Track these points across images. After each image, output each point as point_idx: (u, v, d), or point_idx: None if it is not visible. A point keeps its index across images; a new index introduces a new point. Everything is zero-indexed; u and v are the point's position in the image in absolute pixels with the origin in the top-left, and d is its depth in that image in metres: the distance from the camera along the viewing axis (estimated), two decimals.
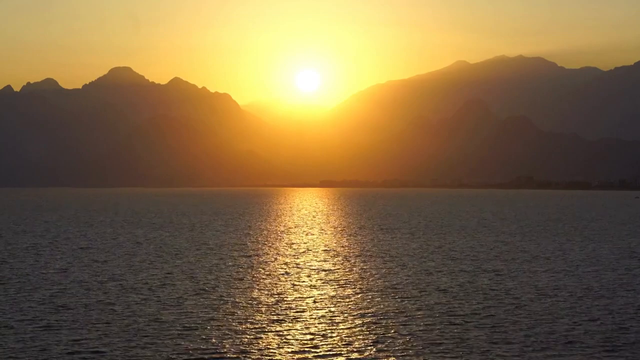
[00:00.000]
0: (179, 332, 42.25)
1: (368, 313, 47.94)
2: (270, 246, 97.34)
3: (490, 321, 45.54)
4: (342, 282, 62.41)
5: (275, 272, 69.31)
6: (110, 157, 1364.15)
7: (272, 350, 38.35)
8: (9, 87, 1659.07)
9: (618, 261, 79.66)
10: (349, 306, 50.50)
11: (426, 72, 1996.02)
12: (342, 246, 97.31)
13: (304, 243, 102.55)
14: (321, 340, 40.40)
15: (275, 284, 61.31)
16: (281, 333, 42.28)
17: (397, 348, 38.77)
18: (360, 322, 45.22)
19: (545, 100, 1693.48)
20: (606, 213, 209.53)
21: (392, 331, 42.59)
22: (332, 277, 65.24)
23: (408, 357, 37.15)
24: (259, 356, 37.36)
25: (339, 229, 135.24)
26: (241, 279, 63.89)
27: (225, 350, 38.33)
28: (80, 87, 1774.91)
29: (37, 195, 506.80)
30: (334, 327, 43.69)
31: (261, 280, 63.21)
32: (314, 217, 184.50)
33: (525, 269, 71.82)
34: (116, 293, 55.92)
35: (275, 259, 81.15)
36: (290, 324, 44.58)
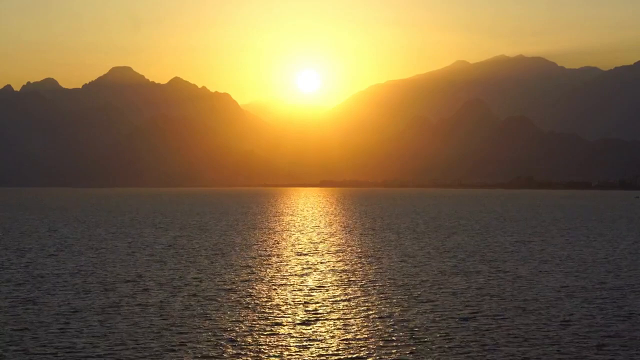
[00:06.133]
0: (194, 333, 42.06)
1: (381, 314, 47.70)
2: (278, 247, 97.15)
3: (508, 323, 45.35)
4: (355, 282, 62.15)
5: (286, 272, 69.06)
6: (111, 157, 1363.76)
7: (285, 351, 38.19)
8: (9, 87, 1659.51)
9: (632, 261, 79.44)
10: (364, 307, 50.28)
11: (426, 72, 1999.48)
12: (352, 246, 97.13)
13: (313, 243, 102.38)
14: (335, 341, 40.20)
15: (286, 284, 61.07)
16: (294, 333, 42.10)
17: (412, 350, 38.60)
18: (372, 323, 45.02)
19: (545, 100, 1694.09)
20: (609, 213, 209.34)
21: (406, 333, 42.38)
22: (346, 278, 64.98)
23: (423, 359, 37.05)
24: (273, 356, 37.23)
25: (346, 229, 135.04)
26: (252, 280, 63.68)
27: (240, 352, 38.17)
28: (80, 86, 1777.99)
29: (37, 195, 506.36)
30: (348, 329, 43.50)
31: (273, 281, 62.98)
32: (318, 217, 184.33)
33: (536, 269, 71.59)
34: (129, 295, 55.70)
35: (285, 259, 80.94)
36: (303, 325, 44.37)
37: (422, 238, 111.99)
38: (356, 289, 59.02)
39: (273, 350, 38.64)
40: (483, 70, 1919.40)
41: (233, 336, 41.70)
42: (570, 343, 40.50)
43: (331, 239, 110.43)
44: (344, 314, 48.32)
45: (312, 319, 46.62)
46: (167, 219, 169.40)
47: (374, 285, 60.65)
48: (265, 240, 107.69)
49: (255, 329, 43.69)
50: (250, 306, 50.95)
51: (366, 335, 41.91)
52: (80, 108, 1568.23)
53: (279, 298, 54.47)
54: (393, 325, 44.63)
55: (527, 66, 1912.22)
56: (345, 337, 41.51)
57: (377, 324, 45.07)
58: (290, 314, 48.07)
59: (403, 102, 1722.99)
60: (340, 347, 39.28)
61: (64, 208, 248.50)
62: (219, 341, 40.49)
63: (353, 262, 78.15)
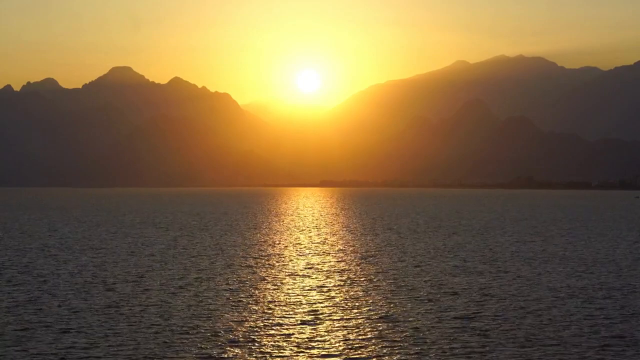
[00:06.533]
0: (194, 333, 41.93)
1: (382, 314, 47.58)
2: (279, 247, 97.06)
3: (509, 323, 45.23)
4: (356, 283, 62.02)
5: (286, 273, 68.93)
6: (111, 157, 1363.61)
7: (286, 351, 38.08)
8: (9, 87, 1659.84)
9: (633, 261, 79.30)
10: (365, 307, 50.17)
11: (426, 72, 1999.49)
12: (352, 246, 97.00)
13: (313, 244, 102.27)
14: (336, 342, 40.11)
15: (287, 284, 60.94)
16: (295, 334, 41.99)
17: (413, 350, 38.48)
18: (373, 323, 44.91)
19: (545, 100, 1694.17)
20: (609, 213, 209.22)
21: (407, 333, 42.26)
22: (347, 278, 64.86)
23: None
24: (274, 357, 37.14)
25: (346, 229, 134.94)
26: (252, 281, 63.56)
27: (241, 352, 38.09)
28: (80, 86, 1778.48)
29: (37, 195, 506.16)
30: (349, 329, 43.39)
31: (273, 281, 62.88)
32: (318, 217, 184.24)
33: (537, 269, 71.46)
34: (129, 295, 55.58)
35: (285, 260, 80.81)
36: (304, 326, 44.26)
37: (423, 238, 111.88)
38: (357, 289, 58.91)
39: (274, 351, 38.54)
40: (483, 70, 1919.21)
41: (234, 336, 41.61)
42: (572, 343, 40.40)
43: (331, 239, 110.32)
44: (345, 314, 48.21)
45: (313, 319, 46.52)
46: (167, 219, 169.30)
47: (375, 286, 60.54)
48: (266, 241, 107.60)
49: (256, 329, 43.60)
50: (251, 306, 50.85)
51: (367, 336, 41.81)
52: (80, 108, 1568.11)
53: (279, 298, 54.36)
54: (394, 325, 44.52)
55: (527, 66, 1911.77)
56: (346, 338, 41.41)
57: (378, 324, 44.96)
58: (291, 314, 47.96)
59: (403, 102, 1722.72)
60: (341, 348, 39.18)
61: (64, 208, 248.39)
62: (220, 341, 40.39)
63: (354, 262, 78.03)
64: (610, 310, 49.73)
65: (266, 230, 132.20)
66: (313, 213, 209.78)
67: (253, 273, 68.83)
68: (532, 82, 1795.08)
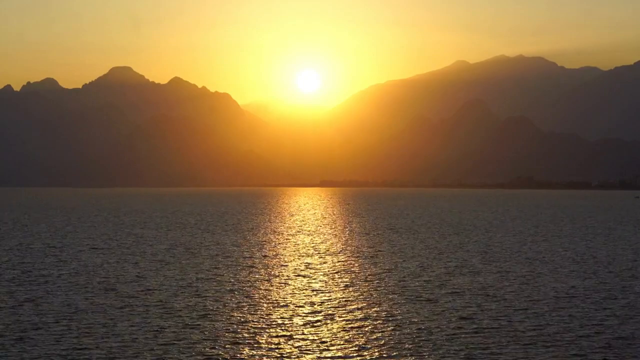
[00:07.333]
0: (196, 334, 41.95)
1: (383, 315, 47.62)
2: (279, 247, 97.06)
3: (510, 324, 45.26)
4: (356, 283, 62.04)
5: (287, 273, 68.96)
6: (111, 157, 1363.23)
7: (286, 351, 38.10)
8: (9, 87, 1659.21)
9: (633, 262, 79.27)
10: (366, 308, 50.21)
11: (426, 72, 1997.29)
12: (353, 247, 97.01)
13: (314, 244, 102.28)
14: (337, 342, 40.13)
15: (288, 285, 60.96)
16: (295, 334, 42.02)
17: (414, 350, 38.49)
18: (374, 323, 44.93)
19: (545, 100, 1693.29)
20: (609, 213, 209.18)
21: (408, 333, 42.29)
22: (347, 278, 64.87)
23: None
24: (275, 357, 37.21)
25: (346, 229, 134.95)
26: (253, 281, 63.61)
27: (242, 352, 38.10)
28: (80, 86, 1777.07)
29: (38, 195, 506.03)
30: (350, 329, 43.41)
31: (274, 282, 62.92)
32: (321, 217, 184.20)
33: (537, 269, 71.46)
34: (131, 295, 55.59)
35: (286, 260, 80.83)
36: (305, 326, 44.29)
37: (423, 238, 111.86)
38: (358, 289, 58.92)
39: (275, 351, 38.55)
40: (483, 70, 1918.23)
41: (235, 337, 41.61)
42: (573, 343, 40.41)
43: (332, 240, 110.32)
44: (346, 314, 48.23)
45: (315, 319, 46.53)
46: (167, 219, 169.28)
47: (376, 286, 60.56)
48: (267, 241, 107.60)
49: (257, 329, 43.61)
50: (252, 307, 50.86)
51: (368, 336, 41.82)
52: (80, 108, 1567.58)
53: (280, 299, 54.37)
54: (395, 325, 44.53)
55: (527, 66, 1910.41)
56: (347, 338, 41.42)
57: (380, 324, 44.97)
58: (291, 315, 47.98)
59: (403, 102, 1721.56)
60: (342, 348, 39.19)
61: (64, 208, 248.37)
62: (221, 342, 40.40)
63: (354, 263, 78.04)
64: (611, 311, 49.74)
65: (267, 230, 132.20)
66: (314, 213, 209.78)
67: (254, 273, 68.85)
68: (532, 82, 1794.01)
